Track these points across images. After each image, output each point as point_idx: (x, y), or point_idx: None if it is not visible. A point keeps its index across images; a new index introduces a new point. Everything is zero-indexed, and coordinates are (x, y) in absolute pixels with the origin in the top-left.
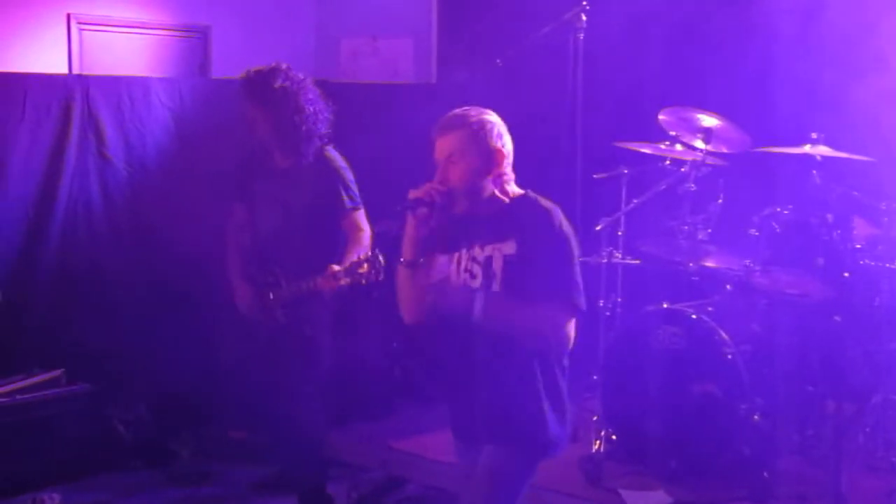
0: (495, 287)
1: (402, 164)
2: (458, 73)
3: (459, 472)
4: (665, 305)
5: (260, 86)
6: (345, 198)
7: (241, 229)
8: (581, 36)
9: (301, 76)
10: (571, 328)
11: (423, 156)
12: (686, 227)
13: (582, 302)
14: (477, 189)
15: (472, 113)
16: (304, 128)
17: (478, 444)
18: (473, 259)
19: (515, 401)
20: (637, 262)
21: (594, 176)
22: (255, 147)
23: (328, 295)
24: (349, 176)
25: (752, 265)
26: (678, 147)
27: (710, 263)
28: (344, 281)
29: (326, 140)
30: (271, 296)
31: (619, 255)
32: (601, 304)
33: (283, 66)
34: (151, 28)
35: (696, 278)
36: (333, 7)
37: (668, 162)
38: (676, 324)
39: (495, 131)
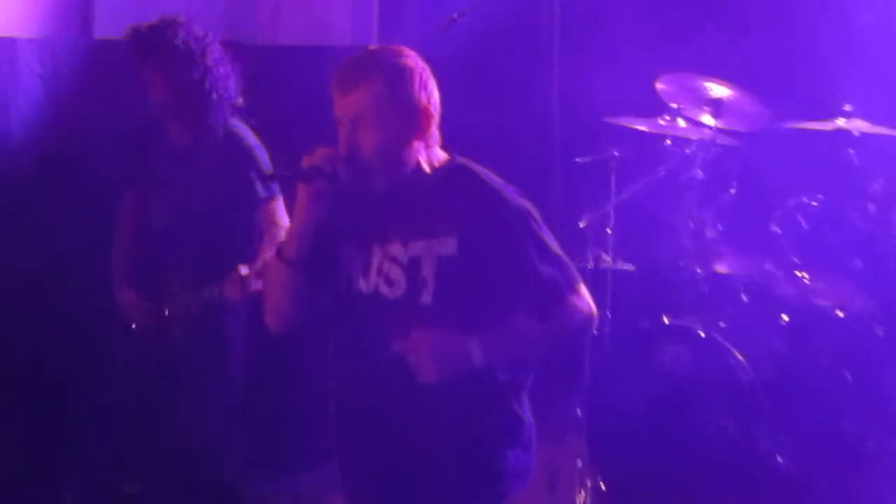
0: (425, 298)
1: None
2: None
3: None
4: (666, 321)
5: (155, 42)
6: (258, 185)
7: (129, 223)
8: None
9: (203, 32)
10: (584, 301)
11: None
12: (692, 224)
13: (575, 272)
14: (395, 160)
15: (385, 56)
16: (212, 93)
17: None
18: (392, 259)
19: (465, 447)
20: (631, 267)
21: (576, 160)
22: (148, 120)
23: (240, 306)
24: (263, 157)
25: (773, 270)
26: (681, 123)
27: (721, 268)
28: (257, 287)
29: (237, 112)
30: (166, 309)
31: (609, 259)
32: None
33: (181, 18)
34: None
35: (705, 287)
36: None
37: (668, 142)
38: (681, 343)
39: (417, 80)
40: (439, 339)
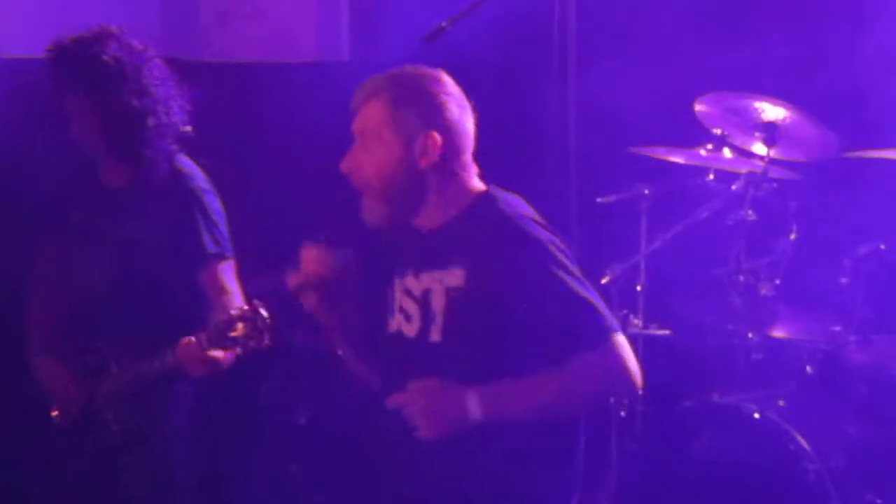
0: (434, 335)
1: (302, 185)
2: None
3: None
4: (713, 398)
5: (81, 59)
6: (205, 237)
7: (48, 284)
8: None
9: (141, 46)
10: (623, 356)
11: (334, 171)
12: (741, 278)
13: (610, 320)
14: (401, 189)
15: (404, 76)
16: (150, 122)
17: None
18: (408, 292)
19: None
20: (667, 331)
21: (598, 200)
22: (72, 156)
23: (186, 383)
24: (214, 203)
25: (843, 333)
26: (726, 153)
27: (779, 332)
28: (209, 356)
29: (184, 146)
30: (96, 389)
31: (639, 322)
32: (612, 400)
33: (115, 29)
34: None
35: (759, 356)
36: None
37: (710, 176)
38: (730, 426)
39: (434, 100)
40: (435, 391)
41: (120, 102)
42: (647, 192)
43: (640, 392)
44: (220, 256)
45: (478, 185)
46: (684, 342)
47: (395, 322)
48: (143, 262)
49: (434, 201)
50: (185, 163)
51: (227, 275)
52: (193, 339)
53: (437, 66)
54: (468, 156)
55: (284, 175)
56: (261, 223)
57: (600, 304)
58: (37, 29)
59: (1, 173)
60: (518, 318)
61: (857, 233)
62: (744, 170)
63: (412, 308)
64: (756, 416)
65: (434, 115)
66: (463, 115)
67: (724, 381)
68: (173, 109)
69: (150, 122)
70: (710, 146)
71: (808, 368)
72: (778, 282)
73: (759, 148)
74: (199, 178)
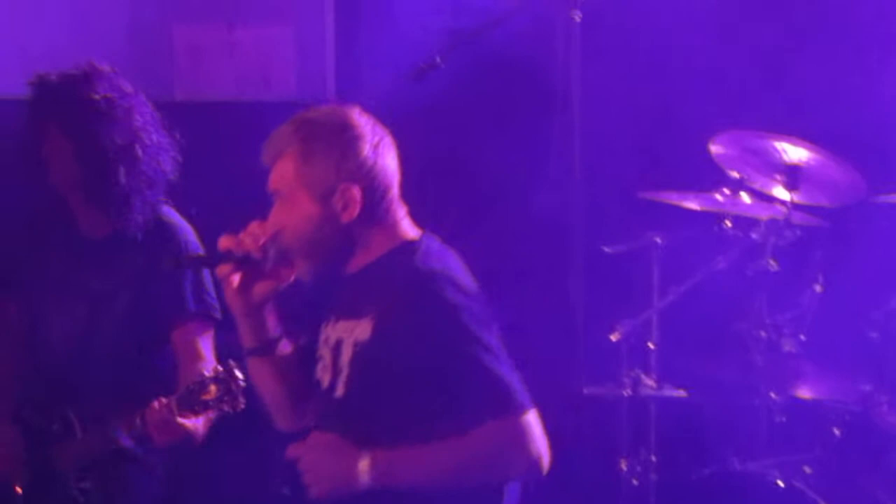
0: (339, 390)
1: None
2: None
3: None
4: (733, 465)
5: (66, 97)
6: (188, 294)
7: (10, 339)
8: (578, 17)
9: (132, 88)
10: (528, 434)
11: None
12: (763, 333)
13: (521, 394)
14: (327, 247)
15: (312, 120)
16: (137, 168)
17: None
18: (326, 341)
19: None
20: (682, 393)
21: (606, 249)
22: (46, 201)
23: (156, 451)
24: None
25: (874, 393)
26: (745, 198)
27: (804, 393)
28: (178, 422)
29: (169, 195)
30: (59, 454)
31: (652, 383)
32: (623, 468)
33: (104, 67)
34: None
35: (783, 418)
36: None
37: (728, 223)
38: (752, 495)
39: (346, 147)
40: (328, 448)
41: (106, 146)
42: (658, 240)
43: (544, 475)
44: (199, 317)
45: (405, 229)
46: (701, 404)
47: (318, 369)
48: (119, 318)
49: (361, 249)
50: (171, 213)
51: (203, 337)
52: (164, 401)
53: (429, 105)
54: (393, 193)
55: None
56: None
57: (510, 378)
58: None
59: None
60: (421, 384)
61: (888, 284)
62: (764, 216)
63: (327, 357)
64: (780, 484)
65: (348, 163)
66: (380, 153)
67: (745, 446)
68: (162, 157)
69: (138, 168)
70: (727, 190)
71: (836, 431)
72: (802, 337)
73: (781, 192)
74: (185, 229)
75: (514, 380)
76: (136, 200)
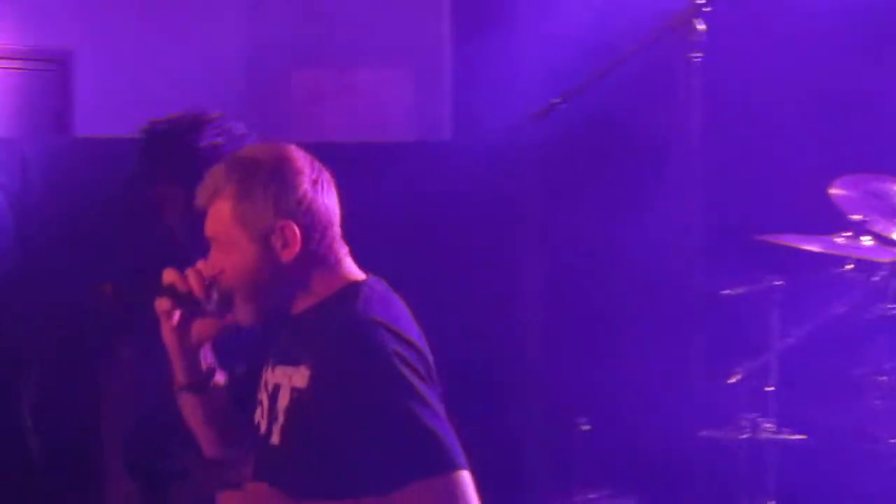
0: (275, 437)
1: (399, 270)
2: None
3: None
4: None
5: (175, 145)
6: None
7: (125, 389)
8: (698, 57)
9: (241, 130)
10: (458, 493)
11: (435, 257)
12: (884, 378)
13: (453, 451)
14: (268, 289)
15: (248, 159)
16: None
17: None
18: (265, 385)
19: None
20: (801, 437)
21: (725, 292)
22: (160, 250)
23: None
24: None
25: None
26: (866, 241)
27: None
28: None
29: None
30: (177, 495)
31: (771, 427)
32: None
33: (213, 113)
34: None
35: None
36: (274, 21)
37: (849, 266)
38: None
39: (283, 184)
40: (256, 498)
41: None
42: (778, 283)
43: None
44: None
45: (348, 270)
46: (821, 449)
47: (257, 413)
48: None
49: (303, 291)
50: None
51: None
52: None
53: (544, 146)
54: (335, 231)
55: (381, 260)
56: None
57: (445, 434)
58: (118, 108)
59: (75, 267)
60: (352, 437)
61: None
62: (886, 259)
63: (265, 402)
64: None
65: (287, 200)
66: (319, 190)
67: (866, 494)
68: None
69: None
70: (848, 233)
71: None
72: None
73: None
74: None
75: (448, 437)
76: None
